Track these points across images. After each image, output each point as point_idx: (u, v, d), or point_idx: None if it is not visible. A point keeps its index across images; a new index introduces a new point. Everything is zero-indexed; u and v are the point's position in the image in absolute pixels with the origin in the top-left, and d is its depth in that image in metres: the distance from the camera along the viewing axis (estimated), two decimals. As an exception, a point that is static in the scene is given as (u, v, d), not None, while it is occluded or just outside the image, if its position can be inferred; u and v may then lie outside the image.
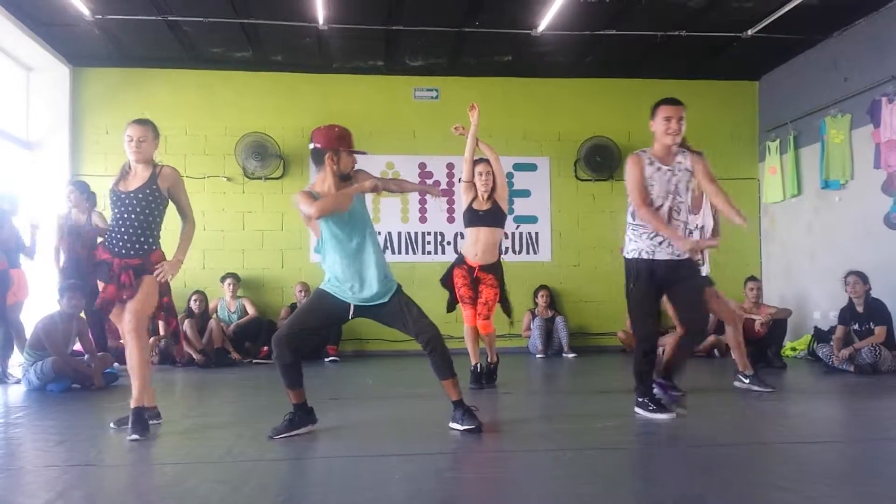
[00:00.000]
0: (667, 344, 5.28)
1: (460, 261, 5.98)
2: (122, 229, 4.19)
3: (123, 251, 4.18)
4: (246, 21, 7.76)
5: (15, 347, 6.79)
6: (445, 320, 8.49)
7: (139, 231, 4.20)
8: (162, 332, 7.86)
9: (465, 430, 4.00)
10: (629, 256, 4.58)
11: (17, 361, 6.70)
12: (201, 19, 7.67)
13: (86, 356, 6.29)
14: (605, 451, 3.70)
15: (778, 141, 9.22)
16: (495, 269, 5.95)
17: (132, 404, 4.16)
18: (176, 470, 3.51)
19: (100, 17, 7.49)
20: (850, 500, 2.82)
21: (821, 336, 7.48)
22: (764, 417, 4.70)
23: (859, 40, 7.90)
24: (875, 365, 6.65)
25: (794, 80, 9.10)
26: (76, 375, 6.11)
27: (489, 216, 5.89)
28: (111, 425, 4.34)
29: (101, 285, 4.24)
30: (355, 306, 4.07)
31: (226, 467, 3.48)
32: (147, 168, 4.27)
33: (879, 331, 6.75)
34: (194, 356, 7.89)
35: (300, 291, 8.73)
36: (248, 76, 9.23)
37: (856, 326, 6.92)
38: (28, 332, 6.47)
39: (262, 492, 3.04)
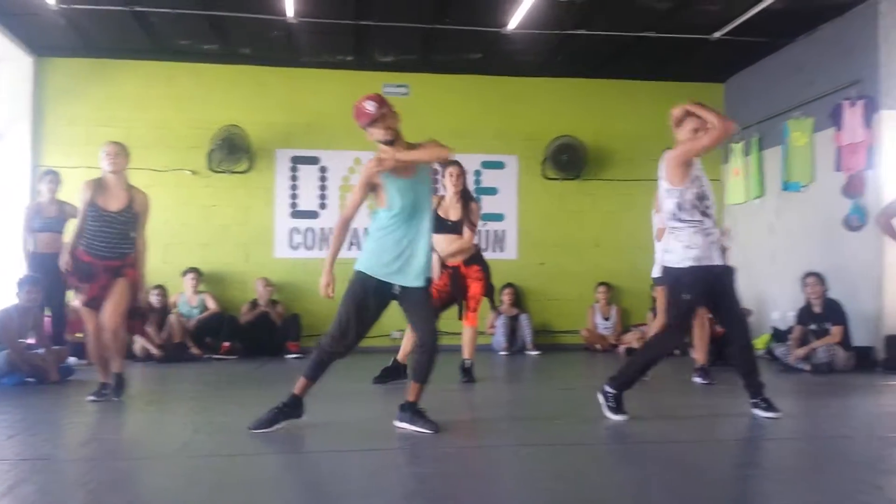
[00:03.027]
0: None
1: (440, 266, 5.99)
2: (103, 238, 4.95)
3: (104, 254, 4.94)
4: (213, 13, 7.67)
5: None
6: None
7: (118, 240, 4.99)
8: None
9: (417, 430, 3.94)
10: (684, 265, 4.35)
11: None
12: (168, 10, 7.57)
13: (41, 350, 6.18)
14: (564, 448, 3.73)
15: (742, 143, 9.34)
16: (478, 259, 6.07)
17: (114, 370, 5.00)
18: (130, 465, 3.47)
19: (65, 6, 7.34)
20: (801, 497, 2.87)
21: (779, 336, 7.61)
22: (719, 415, 4.76)
23: (824, 45, 8.02)
24: (831, 364, 6.76)
25: (759, 83, 9.22)
26: (31, 369, 5.99)
27: (457, 226, 5.92)
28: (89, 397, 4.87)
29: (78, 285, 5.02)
30: (400, 289, 3.97)
31: (181, 462, 3.45)
32: (123, 188, 5.06)
33: (836, 331, 6.87)
34: (152, 351, 7.78)
35: (264, 287, 8.66)
36: (215, 69, 9.12)
37: (813, 326, 7.03)
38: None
39: (217, 487, 3.01)
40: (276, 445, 3.77)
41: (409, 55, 9.00)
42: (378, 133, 4.02)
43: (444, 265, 5.95)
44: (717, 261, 4.37)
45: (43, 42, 8.52)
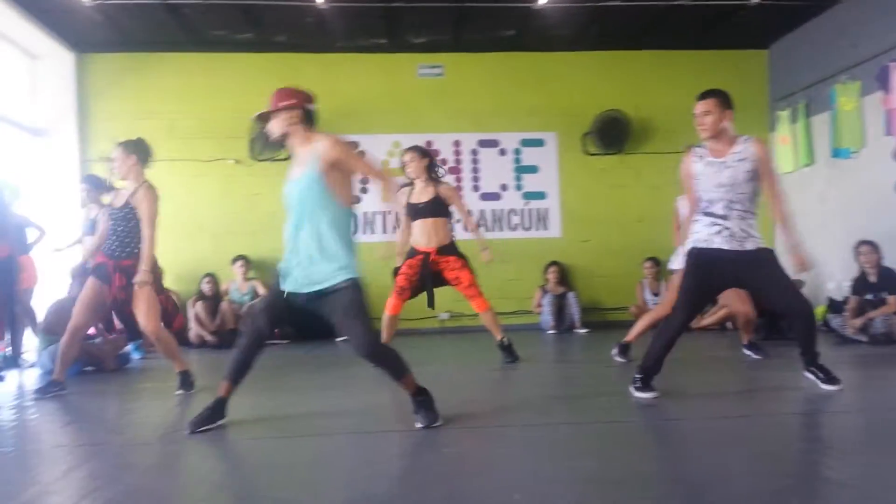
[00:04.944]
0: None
1: (411, 253, 5.91)
2: (115, 237, 4.92)
3: (115, 254, 4.89)
4: (245, 2, 7.72)
5: (28, 332, 6.88)
6: (455, 298, 8.49)
7: (126, 238, 4.90)
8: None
9: (423, 427, 3.62)
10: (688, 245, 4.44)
11: (31, 346, 6.78)
12: (199, 1, 7.65)
13: (98, 339, 6.35)
14: (603, 425, 3.67)
15: (789, 110, 9.07)
16: (452, 249, 5.90)
17: (177, 369, 5.04)
18: (171, 449, 3.52)
19: (100, 1, 7.47)
20: (854, 471, 2.78)
21: (834, 307, 7.41)
22: (771, 389, 4.66)
23: (867, 6, 7.75)
24: (889, 335, 6.57)
25: (803, 48, 8.95)
26: (89, 358, 6.16)
27: (428, 208, 5.85)
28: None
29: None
30: (289, 294, 3.61)
31: (230, 446, 3.50)
32: (131, 186, 4.96)
33: (892, 300, 6.68)
34: (206, 338, 7.96)
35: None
36: (252, 58, 9.19)
37: (869, 296, 6.84)
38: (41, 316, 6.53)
39: (263, 466, 3.06)
40: (332, 427, 3.79)
41: (442, 35, 8.94)
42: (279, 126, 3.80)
43: (414, 251, 5.87)
44: (719, 245, 4.28)
45: (82, 38, 8.70)
